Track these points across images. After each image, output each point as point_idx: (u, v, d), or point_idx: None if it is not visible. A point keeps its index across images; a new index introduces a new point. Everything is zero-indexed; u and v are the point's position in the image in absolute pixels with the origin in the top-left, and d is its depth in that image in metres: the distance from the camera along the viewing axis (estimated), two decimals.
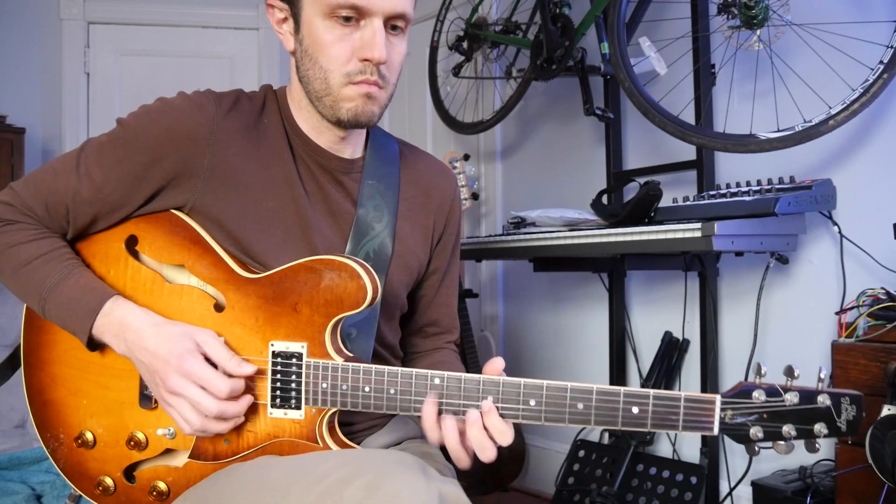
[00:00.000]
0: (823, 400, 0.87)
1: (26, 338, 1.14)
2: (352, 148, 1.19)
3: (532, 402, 0.94)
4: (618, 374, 2.53)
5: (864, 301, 1.76)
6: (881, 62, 1.65)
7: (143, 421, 1.07)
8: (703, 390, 2.18)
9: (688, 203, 1.99)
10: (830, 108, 1.71)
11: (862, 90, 1.66)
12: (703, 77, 2.19)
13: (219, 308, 1.05)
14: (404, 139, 1.32)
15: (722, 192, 1.99)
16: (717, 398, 0.88)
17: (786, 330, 2.12)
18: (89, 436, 1.09)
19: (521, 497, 2.82)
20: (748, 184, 2.00)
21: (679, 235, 1.73)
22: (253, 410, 1.02)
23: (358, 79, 1.06)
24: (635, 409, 0.90)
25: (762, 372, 0.89)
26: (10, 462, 1.57)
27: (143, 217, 1.10)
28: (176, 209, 1.09)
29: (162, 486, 1.06)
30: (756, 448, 0.88)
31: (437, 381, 0.97)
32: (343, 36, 1.04)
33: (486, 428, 0.95)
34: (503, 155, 3.21)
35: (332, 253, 1.06)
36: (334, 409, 1.01)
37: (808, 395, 0.87)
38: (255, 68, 3.82)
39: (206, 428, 0.99)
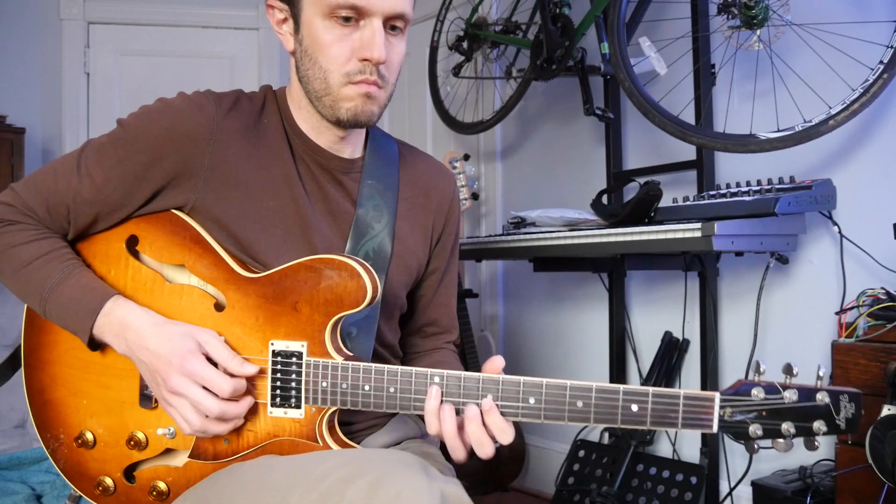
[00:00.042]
0: (822, 398, 0.87)
1: (27, 338, 1.15)
2: (351, 148, 1.19)
3: (532, 401, 0.94)
4: (618, 373, 2.53)
5: (864, 301, 1.76)
6: (881, 62, 1.65)
7: (143, 421, 1.07)
8: (703, 390, 2.18)
9: (688, 203, 2.00)
10: (830, 108, 1.71)
11: (862, 90, 1.66)
12: (703, 77, 2.19)
13: (219, 307, 1.05)
14: (404, 139, 1.32)
15: (722, 192, 1.99)
16: (717, 395, 0.88)
17: (786, 330, 2.12)
18: (89, 436, 1.09)
19: (521, 497, 2.82)
20: (748, 184, 2.00)
21: (679, 235, 1.73)
22: (253, 410, 1.02)
23: (357, 78, 1.06)
24: (635, 407, 0.91)
25: (761, 370, 0.89)
26: (10, 462, 1.57)
27: (143, 217, 1.10)
28: (176, 209, 1.10)
29: (162, 485, 1.06)
30: (755, 446, 0.88)
31: (437, 379, 0.97)
32: (343, 36, 1.05)
33: (487, 426, 0.95)
34: (503, 155, 3.21)
35: (331, 252, 1.06)
36: (334, 408, 1.01)
37: (806, 393, 0.87)
38: (255, 68, 3.82)
39: (206, 429, 0.99)
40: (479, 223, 3.29)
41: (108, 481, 1.09)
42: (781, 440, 0.88)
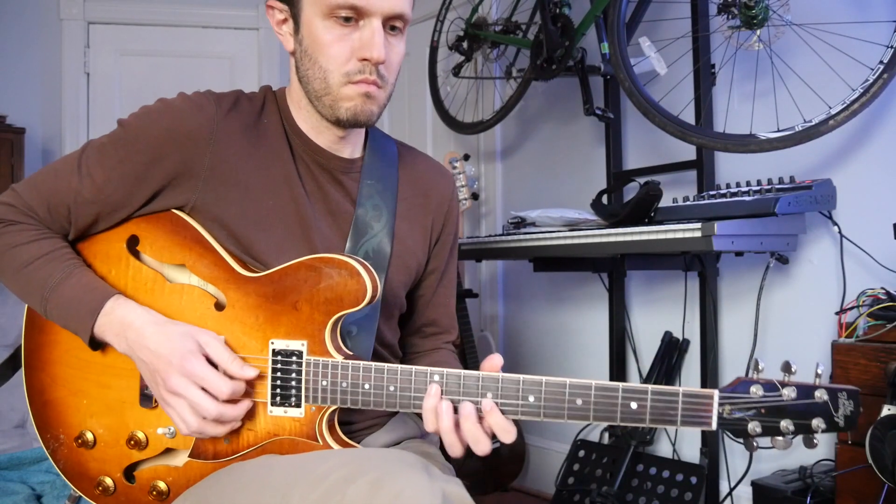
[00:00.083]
0: (821, 395, 0.87)
1: (27, 339, 1.15)
2: (351, 148, 1.19)
3: (531, 398, 0.94)
4: (618, 373, 2.53)
5: (864, 301, 1.76)
6: (881, 62, 1.65)
7: (143, 420, 1.07)
8: None
9: (688, 203, 2.00)
10: (830, 108, 1.71)
11: (862, 90, 1.66)
12: (703, 77, 2.19)
13: (219, 307, 1.05)
14: (404, 139, 1.32)
15: (722, 192, 1.99)
16: (716, 393, 0.89)
17: (786, 330, 2.13)
18: (89, 436, 1.09)
19: (521, 497, 2.82)
20: (748, 184, 2.00)
21: (679, 235, 1.73)
22: (253, 409, 1.03)
23: (357, 78, 1.06)
24: (634, 405, 0.91)
25: (759, 367, 0.89)
26: (10, 462, 1.57)
27: (144, 217, 1.10)
28: (177, 209, 1.10)
29: (162, 485, 1.06)
30: (755, 443, 0.88)
31: (436, 377, 0.97)
32: (342, 36, 1.05)
33: (489, 426, 0.95)
34: (503, 155, 3.21)
35: (331, 252, 1.06)
36: (334, 407, 1.02)
37: (805, 391, 0.88)
38: (255, 68, 3.82)
39: (204, 430, 0.99)
40: (479, 223, 3.29)
41: (108, 481, 1.09)
42: (780, 438, 0.88)
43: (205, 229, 1.08)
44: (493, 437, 0.97)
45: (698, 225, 1.69)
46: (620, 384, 0.91)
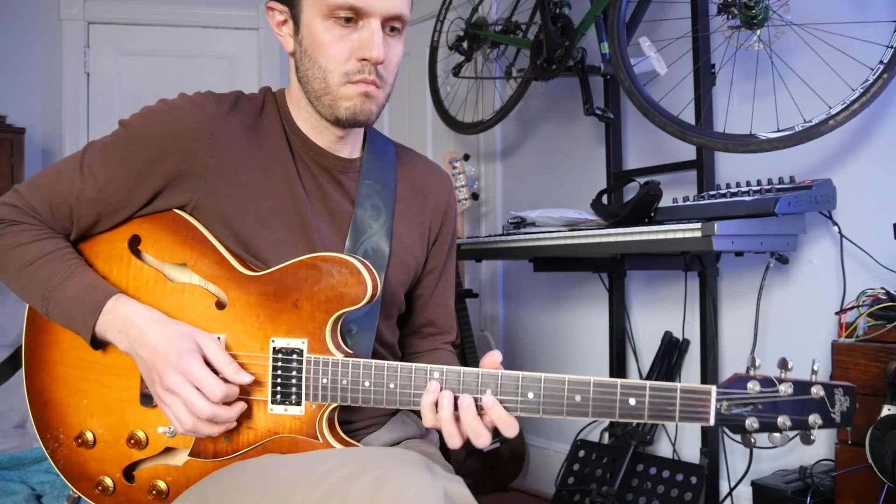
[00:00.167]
0: (817, 391, 0.88)
1: (28, 339, 1.15)
2: (350, 148, 1.20)
3: (530, 395, 0.94)
4: (618, 373, 2.53)
5: (864, 301, 1.77)
6: (881, 62, 1.66)
7: (143, 419, 1.07)
8: None
9: (688, 203, 2.00)
10: (830, 108, 1.71)
11: (862, 90, 1.66)
12: (703, 77, 2.20)
13: (220, 306, 1.06)
14: (404, 139, 1.33)
15: (722, 192, 1.99)
16: (713, 389, 0.89)
17: (786, 330, 2.13)
18: (89, 435, 1.09)
19: (521, 497, 2.82)
20: (748, 184, 2.00)
21: (679, 235, 1.73)
22: (253, 407, 1.03)
23: (356, 78, 1.07)
24: (632, 401, 0.91)
25: (756, 364, 0.90)
26: (10, 462, 1.56)
27: (145, 217, 1.11)
28: (178, 208, 1.10)
29: (161, 485, 1.06)
30: (752, 440, 0.89)
31: (436, 374, 0.97)
32: (342, 36, 1.06)
33: (492, 421, 0.96)
34: (503, 155, 3.21)
35: (331, 250, 1.06)
36: (334, 405, 1.02)
37: (802, 387, 0.88)
38: (255, 68, 3.83)
39: (197, 429, 0.99)
40: (479, 223, 3.29)
41: (108, 481, 1.09)
42: (778, 434, 0.88)
43: (206, 228, 1.09)
44: (496, 433, 0.97)
45: (698, 225, 1.69)
46: (619, 380, 0.91)
